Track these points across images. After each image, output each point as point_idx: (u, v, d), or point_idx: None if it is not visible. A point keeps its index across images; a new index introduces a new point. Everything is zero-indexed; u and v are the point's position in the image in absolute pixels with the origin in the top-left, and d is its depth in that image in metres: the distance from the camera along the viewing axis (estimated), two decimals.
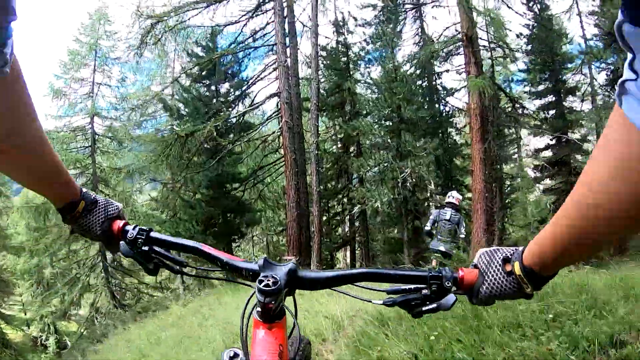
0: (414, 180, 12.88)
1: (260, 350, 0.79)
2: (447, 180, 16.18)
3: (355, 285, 0.91)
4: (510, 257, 0.79)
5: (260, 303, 0.80)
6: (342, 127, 15.30)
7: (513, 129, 15.87)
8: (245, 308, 0.87)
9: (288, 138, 13.54)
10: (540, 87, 15.10)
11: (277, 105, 14.42)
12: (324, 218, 18.29)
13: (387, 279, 0.88)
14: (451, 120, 16.82)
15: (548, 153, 15.70)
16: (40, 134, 0.72)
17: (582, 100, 14.81)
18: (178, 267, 0.97)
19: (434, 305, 0.82)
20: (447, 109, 17.12)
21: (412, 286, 0.84)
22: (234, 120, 15.30)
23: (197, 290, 13.36)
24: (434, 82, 16.76)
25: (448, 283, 0.81)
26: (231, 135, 15.62)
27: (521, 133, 17.29)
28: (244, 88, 15.79)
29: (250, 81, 15.71)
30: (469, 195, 13.98)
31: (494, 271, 0.79)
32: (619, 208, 0.52)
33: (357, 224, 17.58)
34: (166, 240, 0.94)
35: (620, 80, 0.43)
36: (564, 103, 14.73)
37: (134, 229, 0.93)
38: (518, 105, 15.59)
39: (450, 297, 0.81)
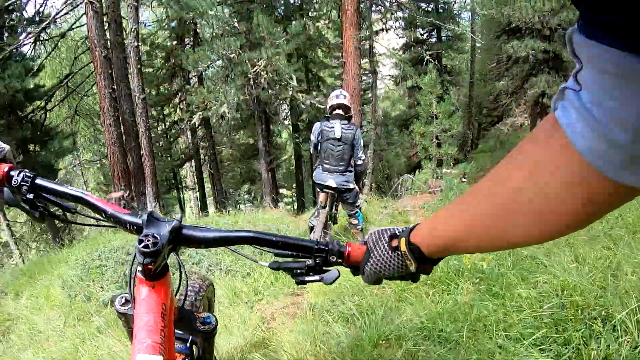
0: (269, 74, 9.73)
1: (144, 310, 0.81)
2: (309, 77, 13.52)
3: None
4: (398, 234, 0.77)
5: (140, 263, 0.79)
6: (173, 7, 11.21)
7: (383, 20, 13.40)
8: (132, 262, 0.86)
9: (95, 28, 9.79)
10: None
11: None
12: (160, 129, 14.69)
13: (274, 246, 0.87)
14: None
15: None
16: None
17: None
18: (65, 216, 0.94)
19: (317, 277, 0.85)
20: None
21: (300, 254, 0.86)
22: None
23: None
24: None
25: (333, 257, 0.83)
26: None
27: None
28: None
29: None
30: None
31: (380, 247, 0.78)
32: (533, 217, 0.49)
33: (200, 133, 14.26)
34: (52, 187, 0.89)
35: (561, 86, 0.43)
36: None
37: (18, 174, 0.88)
38: None
39: (334, 272, 0.85)
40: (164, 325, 0.81)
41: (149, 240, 0.77)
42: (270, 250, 0.87)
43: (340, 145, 4.62)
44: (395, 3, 12.73)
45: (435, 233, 0.68)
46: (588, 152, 0.39)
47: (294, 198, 20.78)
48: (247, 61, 9.89)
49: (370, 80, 11.32)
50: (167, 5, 11.29)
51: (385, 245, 0.77)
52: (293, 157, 21.97)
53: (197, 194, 16.61)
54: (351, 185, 4.74)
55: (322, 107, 11.05)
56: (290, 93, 9.79)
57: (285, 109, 15.19)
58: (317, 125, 4.79)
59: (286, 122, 15.51)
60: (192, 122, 9.94)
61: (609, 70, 0.34)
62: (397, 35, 17.16)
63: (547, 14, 10.15)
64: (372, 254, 0.78)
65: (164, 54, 12.64)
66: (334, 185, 4.65)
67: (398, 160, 25.19)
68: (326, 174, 4.70)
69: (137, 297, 0.82)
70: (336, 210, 5.19)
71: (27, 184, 0.86)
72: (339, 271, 0.84)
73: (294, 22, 10.45)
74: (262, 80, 9.77)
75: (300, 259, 0.86)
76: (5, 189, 0.87)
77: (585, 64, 0.38)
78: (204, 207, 16.14)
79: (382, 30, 14.99)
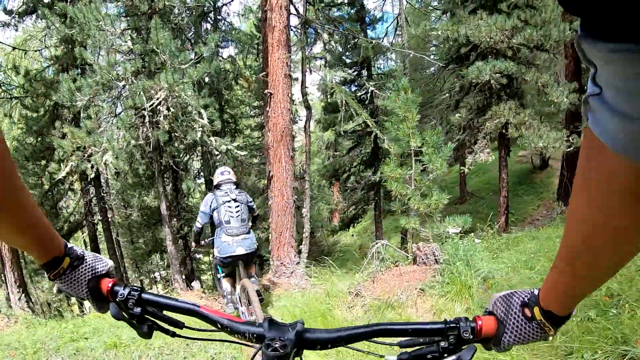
0: (171, 109, 7.18)
1: None
2: (224, 118, 11.13)
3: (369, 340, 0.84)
4: (527, 301, 0.78)
5: None
6: (55, 25, 8.43)
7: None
8: None
9: None
10: None
11: None
12: (39, 190, 11.28)
13: (402, 333, 0.83)
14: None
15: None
16: (15, 181, 0.63)
17: None
18: (174, 330, 0.90)
19: (453, 357, 0.79)
20: None
21: (427, 338, 0.82)
22: None
23: None
24: None
25: (466, 334, 0.79)
26: None
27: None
28: None
29: None
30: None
31: (514, 318, 0.78)
32: (604, 241, 0.52)
33: (91, 190, 11.11)
34: (160, 301, 0.86)
35: (584, 97, 0.42)
36: None
37: (124, 289, 0.86)
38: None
39: (470, 348, 0.80)
40: None
41: (276, 344, 0.77)
42: (394, 343, 0.86)
43: (238, 206, 4.73)
44: (332, 21, 10.89)
45: (557, 292, 0.70)
46: (627, 150, 0.39)
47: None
48: (141, 92, 7.28)
49: (305, 116, 9.13)
50: (49, 20, 8.41)
51: (520, 315, 0.77)
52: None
53: None
54: (256, 246, 4.77)
55: (241, 155, 8.60)
56: (199, 135, 7.26)
57: (196, 159, 12.52)
58: (208, 196, 4.91)
59: (199, 181, 12.74)
60: (62, 175, 6.98)
61: (624, 65, 0.34)
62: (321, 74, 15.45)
63: (509, 32, 8.87)
64: (507, 326, 0.78)
65: (43, 89, 9.59)
66: (243, 252, 4.56)
67: (320, 217, 23.29)
68: (232, 241, 4.57)
69: None
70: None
71: (134, 298, 0.84)
72: (474, 346, 0.80)
73: (204, 47, 8.10)
74: (162, 118, 7.20)
75: (429, 344, 0.81)
76: (111, 304, 0.85)
77: (600, 66, 0.38)
78: None
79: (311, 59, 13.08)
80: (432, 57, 15.25)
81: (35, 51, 12.77)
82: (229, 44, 12.68)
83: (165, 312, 0.88)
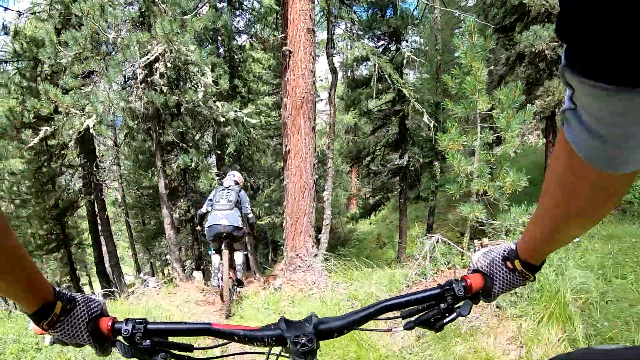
0: (168, 66, 5.87)
1: None
2: (234, 82, 9.71)
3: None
4: (508, 256, 0.91)
5: None
6: None
7: None
8: None
9: None
10: None
11: None
12: (34, 165, 10.20)
13: (406, 305, 0.89)
14: None
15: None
16: None
17: None
18: (187, 354, 0.87)
19: (454, 314, 0.89)
20: None
21: (420, 306, 0.90)
22: None
23: None
24: None
25: (460, 292, 0.89)
26: None
27: None
28: None
29: None
30: None
31: (499, 271, 0.91)
32: (566, 212, 0.67)
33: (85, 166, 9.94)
34: (169, 328, 0.84)
35: (562, 109, 0.52)
36: None
37: (126, 324, 0.82)
38: None
39: (467, 303, 0.90)
40: None
41: (302, 340, 0.79)
42: (397, 316, 0.92)
43: (228, 192, 5.74)
44: None
45: (532, 245, 0.85)
46: (589, 158, 0.52)
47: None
48: (134, 46, 5.98)
49: (330, 81, 7.76)
50: None
51: (504, 268, 0.91)
52: None
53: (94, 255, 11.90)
54: (240, 224, 5.51)
55: (252, 123, 7.26)
56: (201, 96, 5.93)
57: (209, 134, 11.21)
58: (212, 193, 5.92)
59: (209, 160, 11.45)
60: (34, 142, 5.75)
61: (594, 96, 0.43)
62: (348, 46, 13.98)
63: None
64: (494, 279, 0.91)
65: (30, 45, 8.35)
66: (226, 223, 5.36)
67: (338, 204, 21.83)
68: (218, 214, 5.45)
69: None
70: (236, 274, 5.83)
71: (140, 331, 0.81)
72: (470, 300, 0.91)
73: None
74: (157, 77, 5.89)
75: (428, 309, 0.89)
76: (117, 343, 0.82)
77: (577, 90, 0.46)
78: (102, 277, 11.57)
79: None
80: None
81: (32, 13, 11.60)
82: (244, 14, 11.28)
83: (171, 338, 0.84)
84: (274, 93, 15.09)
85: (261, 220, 14.61)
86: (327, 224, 7.92)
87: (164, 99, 5.94)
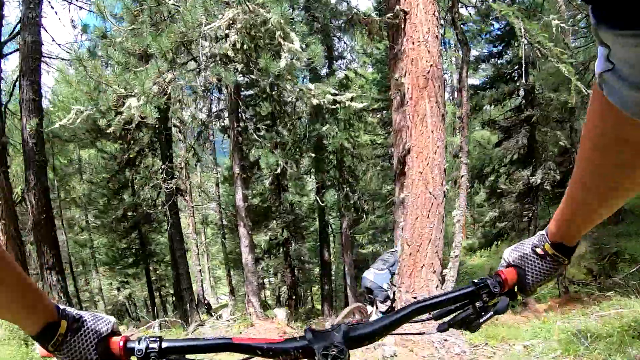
0: (246, 35, 4.29)
1: None
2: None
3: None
4: (537, 243, 0.85)
5: None
6: None
7: None
8: None
9: None
10: None
11: None
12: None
13: (437, 306, 0.85)
14: None
15: None
16: None
17: None
18: None
19: (490, 313, 0.84)
20: None
21: (454, 306, 0.85)
22: None
23: None
24: None
25: (495, 289, 0.83)
26: None
27: None
28: None
29: None
30: None
31: (530, 261, 0.85)
32: (603, 178, 0.64)
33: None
34: (186, 345, 0.78)
35: (598, 72, 0.49)
36: None
37: (139, 343, 0.75)
38: None
39: (504, 300, 0.84)
40: None
41: (333, 351, 0.76)
42: (430, 318, 0.88)
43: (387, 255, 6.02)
44: None
45: (564, 225, 0.79)
46: (635, 110, 0.49)
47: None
48: (200, 10, 4.50)
49: (459, 58, 5.71)
50: None
51: (534, 256, 0.85)
52: (318, 225, 16.14)
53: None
54: (384, 286, 5.50)
55: (357, 108, 5.33)
56: (283, 65, 4.17)
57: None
58: None
59: (301, 165, 9.75)
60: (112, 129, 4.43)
61: (632, 46, 0.41)
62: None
63: None
64: (526, 270, 0.86)
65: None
66: (371, 278, 5.62)
67: (446, 232, 18.90)
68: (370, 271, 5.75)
69: None
70: None
71: (155, 350, 0.74)
72: (506, 297, 0.85)
73: None
74: (228, 47, 4.30)
75: (461, 309, 0.85)
76: None
77: (614, 47, 0.44)
78: (179, 300, 10.39)
79: None
80: None
81: None
82: None
83: (189, 356, 0.79)
84: (379, 109, 13.27)
85: (363, 249, 12.70)
86: (457, 255, 5.68)
87: (235, 76, 4.31)
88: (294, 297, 13.78)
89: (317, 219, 14.82)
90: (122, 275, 16.42)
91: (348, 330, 0.79)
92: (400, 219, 5.71)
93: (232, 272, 17.81)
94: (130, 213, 9.21)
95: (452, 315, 0.84)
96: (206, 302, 20.84)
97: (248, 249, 6.07)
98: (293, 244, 12.80)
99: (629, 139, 0.54)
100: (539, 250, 0.84)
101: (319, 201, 8.18)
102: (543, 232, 0.85)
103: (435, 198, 4.87)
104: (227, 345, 0.78)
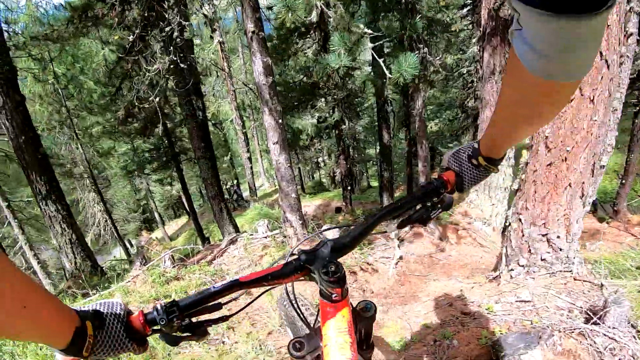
0: None
1: (334, 330, 0.82)
2: None
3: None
4: (471, 154, 1.04)
5: (328, 288, 0.82)
6: None
7: None
8: (292, 304, 1.01)
9: None
10: None
11: None
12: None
13: (398, 209, 0.98)
14: None
15: None
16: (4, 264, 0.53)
17: None
18: (222, 315, 0.88)
19: (439, 209, 1.03)
20: None
21: (412, 210, 1.00)
22: None
23: None
24: None
25: (442, 189, 1.04)
26: None
27: None
28: None
29: None
30: None
31: (467, 169, 1.05)
32: (511, 109, 0.77)
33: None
34: (200, 298, 0.80)
35: (511, 29, 0.59)
36: None
37: (157, 312, 0.76)
38: None
39: (448, 198, 1.04)
40: (352, 341, 0.81)
41: (331, 268, 0.81)
42: (393, 222, 1.02)
43: None
44: None
45: (492, 142, 0.96)
46: (535, 70, 0.60)
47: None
48: None
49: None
50: None
51: (470, 165, 1.04)
52: (375, 101, 13.75)
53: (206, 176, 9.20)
54: None
55: None
56: None
57: None
58: None
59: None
60: None
61: (537, 22, 0.51)
62: None
63: None
64: (464, 176, 1.05)
65: None
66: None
67: None
68: None
69: (324, 320, 0.83)
70: None
71: (176, 314, 0.76)
72: (450, 196, 1.04)
73: None
74: None
75: (417, 208, 0.98)
76: (159, 336, 0.77)
77: (521, 14, 0.53)
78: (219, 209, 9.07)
79: None
80: None
81: None
82: None
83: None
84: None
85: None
86: (603, 167, 3.57)
87: None
88: (348, 178, 12.35)
89: (375, 94, 12.60)
90: (158, 174, 15.75)
91: (334, 244, 0.88)
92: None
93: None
94: (145, 105, 7.68)
95: (409, 216, 0.99)
96: (237, 193, 20.17)
97: (279, 147, 4.27)
98: (347, 123, 10.95)
99: (526, 79, 0.64)
100: (474, 161, 1.03)
101: (383, 66, 5.89)
102: (475, 144, 1.03)
103: (609, 66, 2.69)
104: (237, 285, 0.83)
